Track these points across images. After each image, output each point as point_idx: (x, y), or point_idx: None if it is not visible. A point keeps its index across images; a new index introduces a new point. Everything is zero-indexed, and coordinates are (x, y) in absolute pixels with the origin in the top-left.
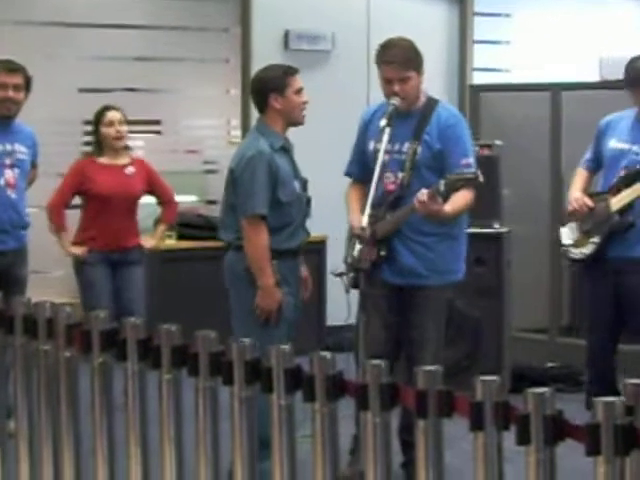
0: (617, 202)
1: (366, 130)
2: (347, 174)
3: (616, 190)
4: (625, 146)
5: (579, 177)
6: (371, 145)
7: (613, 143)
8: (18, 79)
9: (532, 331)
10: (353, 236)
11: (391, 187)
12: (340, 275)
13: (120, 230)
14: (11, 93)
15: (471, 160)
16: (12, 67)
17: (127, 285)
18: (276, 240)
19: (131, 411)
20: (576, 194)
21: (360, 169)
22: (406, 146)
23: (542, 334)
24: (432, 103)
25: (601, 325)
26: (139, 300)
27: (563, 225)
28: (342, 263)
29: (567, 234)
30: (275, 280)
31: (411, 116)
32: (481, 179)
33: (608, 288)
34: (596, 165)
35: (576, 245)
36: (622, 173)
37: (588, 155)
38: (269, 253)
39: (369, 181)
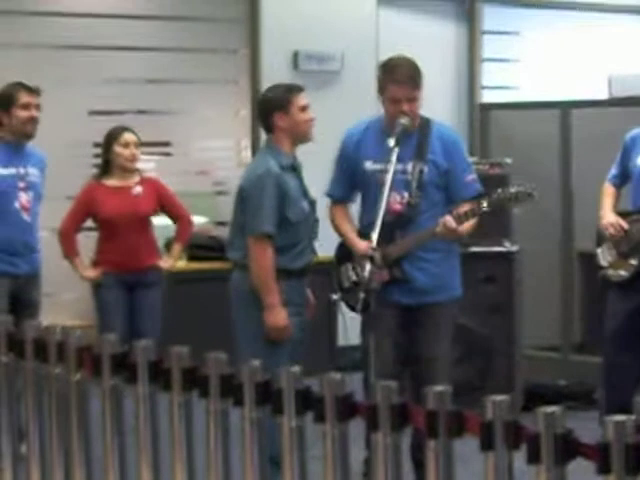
0: None
1: (357, 149)
2: (330, 195)
3: None
4: None
5: (607, 195)
6: (367, 165)
7: None
8: (38, 99)
9: (544, 349)
10: (361, 257)
11: (397, 207)
12: (341, 300)
13: (133, 251)
14: (35, 113)
15: (474, 175)
16: (33, 88)
17: (143, 308)
18: (283, 260)
19: (142, 434)
20: (610, 218)
21: (345, 190)
22: (410, 166)
23: (554, 352)
24: (427, 121)
25: (623, 342)
26: (156, 323)
27: (598, 246)
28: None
29: (603, 255)
30: (281, 300)
31: (410, 136)
32: (536, 195)
33: (636, 306)
34: (622, 181)
35: (614, 267)
36: None
37: (614, 171)
38: (275, 272)
39: (352, 201)
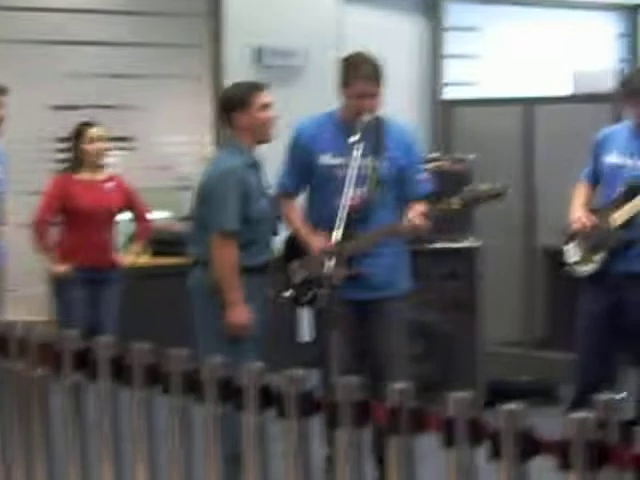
0: (619, 217)
1: (312, 143)
2: (280, 186)
3: (617, 205)
4: (622, 160)
5: (579, 193)
6: (324, 159)
7: (611, 158)
8: (5, 98)
9: (506, 345)
10: (318, 254)
11: (353, 202)
12: (294, 297)
13: (99, 246)
14: (3, 111)
15: (425, 174)
16: (3, 87)
17: (103, 304)
18: (243, 257)
19: (104, 430)
20: (577, 214)
21: (297, 182)
22: (366, 161)
23: (517, 348)
24: (379, 118)
25: (596, 340)
26: (113, 319)
27: (566, 243)
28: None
29: (572, 252)
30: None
31: (367, 131)
32: (507, 193)
33: (609, 303)
34: (595, 180)
35: (582, 262)
36: (622, 188)
37: (586, 170)
38: (236, 269)
39: (300, 194)
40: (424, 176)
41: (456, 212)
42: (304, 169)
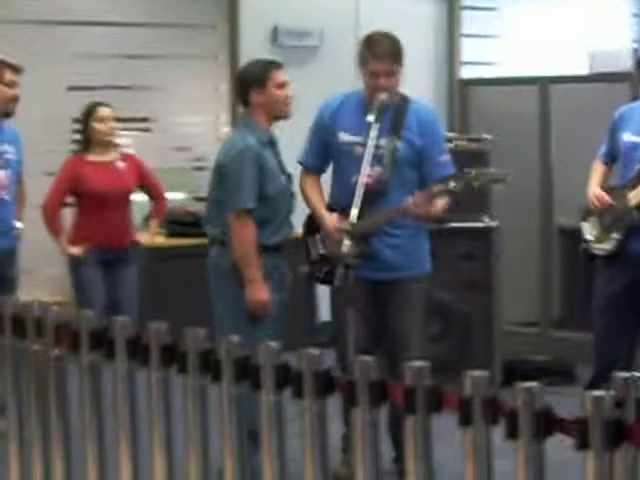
0: (635, 196)
1: (333, 120)
2: (302, 162)
3: (633, 184)
4: (639, 139)
5: (596, 171)
6: (342, 136)
7: (627, 136)
8: (20, 78)
9: (523, 324)
10: (334, 232)
11: (368, 180)
12: (310, 273)
13: (115, 226)
14: (18, 91)
15: (448, 157)
16: (17, 66)
17: (122, 284)
18: (261, 235)
19: (121, 410)
20: (595, 190)
21: (318, 160)
22: (383, 141)
23: (533, 327)
24: (404, 99)
25: (612, 320)
26: (133, 299)
27: (584, 220)
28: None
29: (588, 230)
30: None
31: (386, 111)
32: (509, 179)
33: (625, 282)
34: (612, 158)
35: (598, 240)
36: (638, 166)
37: (603, 149)
38: (256, 247)
39: (323, 172)
40: (446, 158)
41: (456, 194)
42: (325, 146)
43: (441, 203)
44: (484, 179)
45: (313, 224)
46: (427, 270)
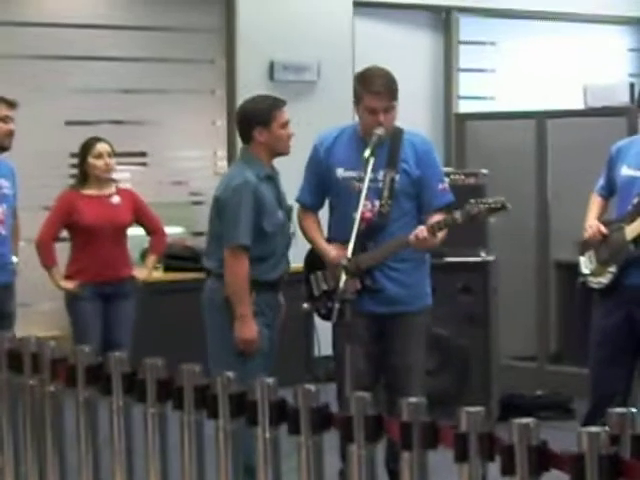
0: (632, 231)
1: (328, 156)
2: (299, 201)
3: (631, 218)
4: (637, 173)
5: (594, 204)
6: (339, 172)
7: (625, 170)
8: (16, 112)
9: (520, 359)
10: (332, 266)
11: (368, 215)
12: (313, 309)
13: (110, 261)
14: (13, 126)
15: (446, 185)
16: (11, 101)
17: (117, 319)
18: (258, 270)
19: (117, 445)
20: (590, 221)
21: (316, 197)
22: (381, 174)
23: (530, 362)
24: (398, 130)
25: (609, 354)
26: (129, 332)
27: (581, 254)
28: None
29: (585, 263)
30: (252, 311)
31: (382, 144)
32: (509, 207)
33: (621, 316)
34: (609, 192)
35: (594, 274)
36: (635, 201)
37: (601, 182)
38: (248, 283)
39: (320, 208)
40: (444, 186)
41: (460, 226)
42: (321, 182)
43: (441, 234)
44: (484, 207)
45: (315, 260)
46: (428, 304)
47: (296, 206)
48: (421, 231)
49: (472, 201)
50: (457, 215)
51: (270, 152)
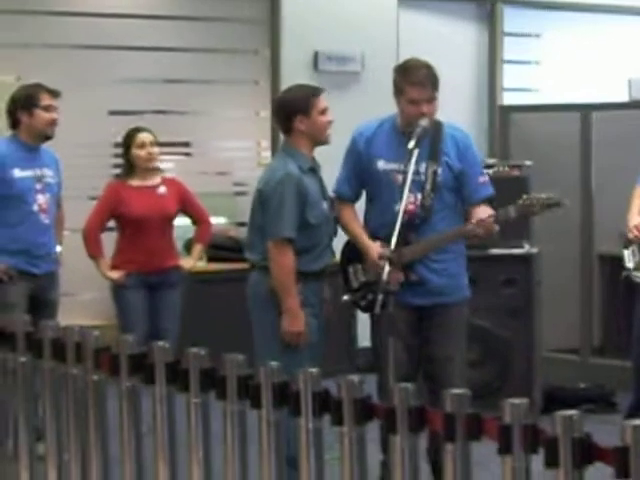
0: None
1: (368, 148)
2: (337, 192)
3: None
4: None
5: (636, 198)
6: (380, 164)
7: None
8: (58, 102)
9: (563, 351)
10: (381, 258)
11: (410, 208)
12: (352, 301)
13: (156, 251)
14: (56, 115)
15: (487, 178)
16: (54, 90)
17: (164, 308)
18: (302, 262)
19: (159, 434)
20: (635, 220)
21: (353, 188)
22: (423, 166)
23: (574, 354)
24: (437, 123)
25: None
26: (176, 322)
27: (625, 248)
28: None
29: (629, 257)
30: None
31: (425, 136)
32: (566, 203)
33: None
34: None
35: (638, 268)
36: None
37: None
38: (294, 275)
39: (358, 200)
40: (485, 179)
41: (514, 221)
42: (360, 174)
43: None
44: (539, 203)
45: (352, 252)
46: (467, 295)
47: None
48: (484, 219)
49: (525, 196)
50: (511, 210)
51: (311, 141)
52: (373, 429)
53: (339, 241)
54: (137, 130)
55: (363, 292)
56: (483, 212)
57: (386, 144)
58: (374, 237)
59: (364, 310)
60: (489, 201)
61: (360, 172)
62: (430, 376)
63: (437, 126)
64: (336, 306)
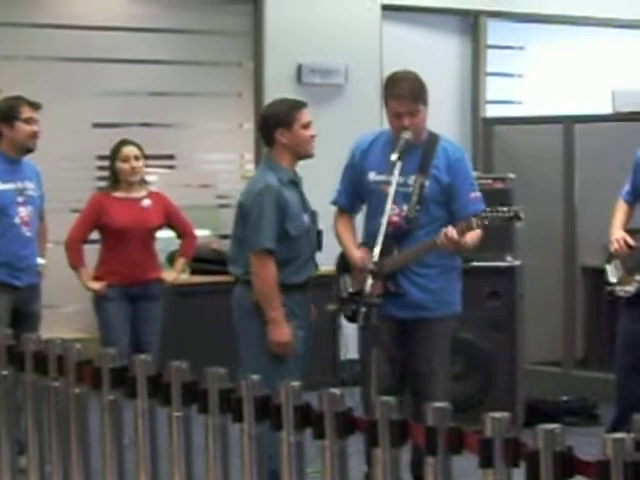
0: None
1: (363, 160)
2: (335, 203)
3: None
4: None
5: (619, 211)
6: (371, 176)
7: None
8: (39, 114)
9: (546, 364)
10: (361, 271)
11: (395, 220)
12: (338, 311)
13: (138, 263)
14: (37, 127)
15: (479, 194)
16: (35, 103)
17: (145, 320)
18: (284, 274)
19: (141, 448)
20: (617, 234)
21: (350, 200)
22: (412, 179)
23: (556, 367)
24: (434, 136)
25: (634, 361)
26: (156, 334)
27: (608, 262)
28: (334, 298)
29: (612, 272)
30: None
31: (415, 149)
32: (523, 216)
33: None
34: (634, 197)
35: (620, 283)
36: None
37: (627, 187)
38: (277, 287)
39: (356, 212)
40: (476, 195)
41: (488, 228)
42: (356, 186)
43: (472, 236)
44: (496, 216)
45: (345, 263)
46: (456, 311)
47: (329, 209)
48: (450, 231)
49: (487, 210)
50: (473, 221)
51: (293, 154)
52: (359, 441)
53: (331, 252)
54: (123, 143)
55: (350, 302)
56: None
57: (379, 156)
58: (367, 247)
59: (349, 320)
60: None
61: (356, 183)
62: (414, 390)
63: (432, 139)
64: (322, 317)
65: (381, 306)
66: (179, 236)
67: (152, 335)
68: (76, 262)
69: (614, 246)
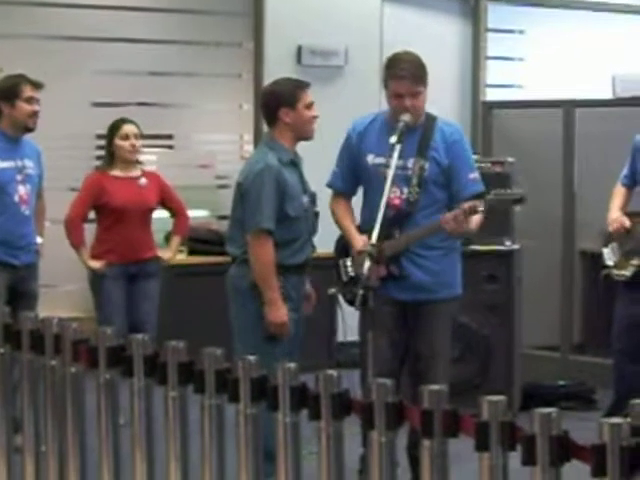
0: None
1: (360, 142)
2: (331, 186)
3: None
4: None
5: (617, 195)
6: (369, 158)
7: None
8: (40, 94)
9: (543, 348)
10: (359, 253)
11: (396, 202)
12: (338, 293)
13: (136, 241)
14: (37, 107)
15: (477, 174)
16: (37, 82)
17: (143, 298)
18: (282, 255)
19: (137, 427)
20: (614, 215)
21: (347, 182)
22: (411, 162)
23: (553, 351)
24: (431, 119)
25: (631, 345)
26: (154, 313)
27: (605, 246)
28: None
29: (609, 255)
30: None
31: (414, 132)
32: (526, 198)
33: None
34: (633, 181)
35: (617, 267)
36: None
37: (625, 171)
38: (275, 268)
39: (353, 194)
40: (475, 175)
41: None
42: (354, 169)
43: (475, 219)
44: (502, 199)
45: (345, 246)
46: (457, 293)
47: (327, 191)
48: (456, 213)
49: (493, 192)
50: (478, 205)
51: (294, 135)
52: (355, 423)
53: (333, 235)
54: (122, 121)
55: (350, 286)
56: (453, 211)
57: (376, 138)
58: (365, 231)
59: (349, 304)
60: (480, 198)
61: (354, 167)
62: (415, 372)
63: (430, 121)
64: (319, 299)
65: (381, 289)
66: (172, 215)
67: (149, 314)
68: (77, 241)
69: (611, 226)
